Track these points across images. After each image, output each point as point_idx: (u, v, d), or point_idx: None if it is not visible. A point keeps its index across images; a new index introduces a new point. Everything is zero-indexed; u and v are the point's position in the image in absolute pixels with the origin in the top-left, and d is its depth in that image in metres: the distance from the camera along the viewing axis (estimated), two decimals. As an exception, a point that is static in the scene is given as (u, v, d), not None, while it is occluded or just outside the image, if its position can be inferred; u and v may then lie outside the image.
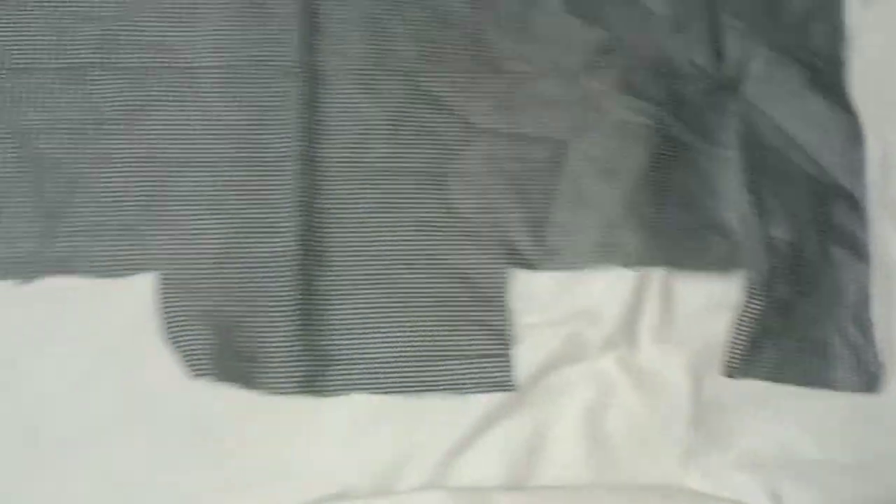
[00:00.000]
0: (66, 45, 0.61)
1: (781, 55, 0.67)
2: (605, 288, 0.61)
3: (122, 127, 0.60)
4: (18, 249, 0.58)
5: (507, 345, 0.59)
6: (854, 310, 0.62)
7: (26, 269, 0.58)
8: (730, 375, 0.61)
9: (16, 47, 0.61)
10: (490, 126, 0.63)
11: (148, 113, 0.61)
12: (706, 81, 0.66)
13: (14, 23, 0.61)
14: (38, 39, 0.61)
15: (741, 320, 0.61)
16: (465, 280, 0.60)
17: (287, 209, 0.60)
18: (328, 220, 0.60)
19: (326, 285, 0.59)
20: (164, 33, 0.62)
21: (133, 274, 0.58)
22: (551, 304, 0.61)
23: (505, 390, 0.59)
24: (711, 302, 0.62)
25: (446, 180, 0.62)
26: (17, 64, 0.61)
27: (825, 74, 0.67)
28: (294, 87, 0.62)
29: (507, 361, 0.59)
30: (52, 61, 0.61)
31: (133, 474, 0.55)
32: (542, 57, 0.65)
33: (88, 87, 0.61)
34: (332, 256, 0.60)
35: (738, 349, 0.61)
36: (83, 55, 0.61)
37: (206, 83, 0.62)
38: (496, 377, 0.59)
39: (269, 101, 0.62)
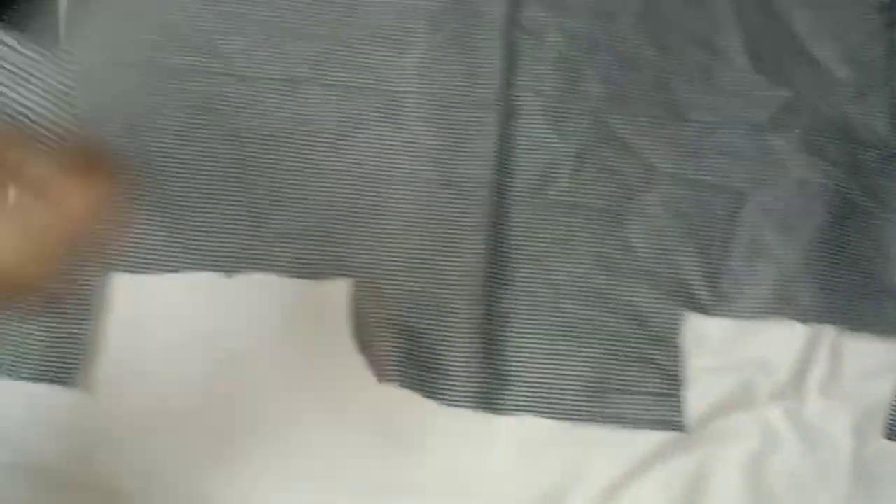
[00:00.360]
0: (282, 58, 0.65)
1: (959, 129, 0.68)
2: (778, 339, 0.62)
3: (329, 140, 0.64)
4: (227, 244, 0.61)
5: (678, 385, 0.60)
6: None
7: (232, 263, 0.61)
8: (891, 439, 0.61)
9: (240, 56, 0.65)
10: (672, 170, 0.65)
11: (354, 129, 0.64)
12: (884, 149, 0.67)
13: (241, 34, 0.66)
14: (259, 52, 0.65)
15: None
16: (640, 318, 0.62)
17: (475, 232, 0.62)
18: (512, 247, 0.63)
19: (507, 308, 0.61)
20: (373, 57, 0.66)
21: (330, 278, 0.61)
22: (723, 350, 0.62)
23: (673, 430, 0.59)
24: (880, 364, 0.63)
25: (626, 219, 0.64)
26: (240, 72, 0.65)
27: None
28: (490, 119, 0.65)
29: (678, 402, 0.60)
30: (270, 73, 0.65)
31: (314, 466, 0.57)
32: (727, 109, 0.67)
33: (300, 99, 0.65)
34: (514, 281, 0.62)
35: (902, 414, 0.61)
36: (298, 70, 0.65)
37: (409, 107, 0.65)
38: (665, 416, 0.60)
39: (465, 130, 0.65)
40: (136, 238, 0.60)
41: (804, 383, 0.61)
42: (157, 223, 0.61)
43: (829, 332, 0.62)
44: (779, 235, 0.64)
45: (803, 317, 0.62)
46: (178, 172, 0.62)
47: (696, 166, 0.65)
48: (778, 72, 0.68)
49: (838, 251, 0.64)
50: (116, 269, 0.60)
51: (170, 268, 0.60)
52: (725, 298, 0.63)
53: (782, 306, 0.62)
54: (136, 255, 0.60)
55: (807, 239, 0.63)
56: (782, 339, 0.62)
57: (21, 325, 0.60)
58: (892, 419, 0.61)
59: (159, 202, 0.61)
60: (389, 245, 0.61)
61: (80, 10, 0.69)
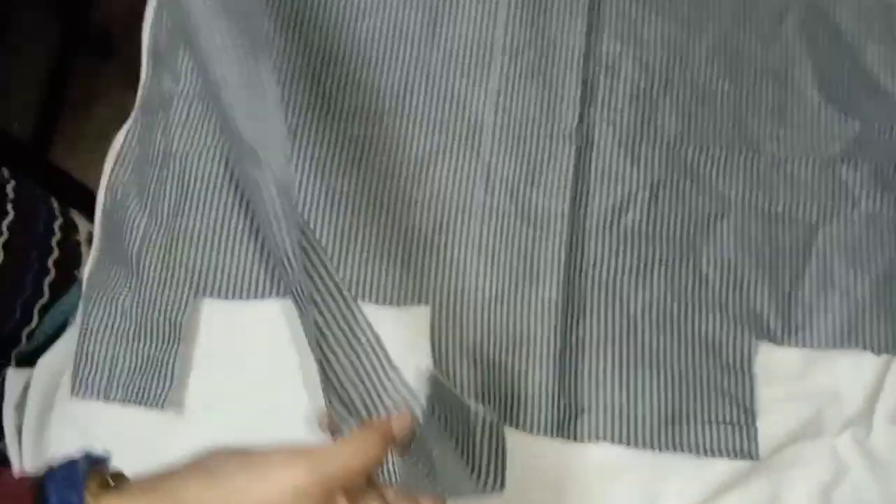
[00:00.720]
0: (366, 90, 0.68)
1: None
2: (849, 370, 0.63)
3: (410, 170, 0.66)
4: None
5: (750, 414, 0.62)
6: None
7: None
8: (957, 470, 0.62)
9: (329, 89, 0.67)
10: (744, 202, 0.67)
11: (434, 160, 0.66)
12: (954, 181, 0.68)
13: (330, 66, 0.67)
14: (346, 85, 0.67)
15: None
16: (713, 347, 0.63)
17: (552, 262, 0.64)
18: (587, 277, 0.64)
19: (582, 337, 0.63)
20: (453, 88, 0.68)
21: (410, 304, 0.63)
22: (795, 379, 0.63)
23: (747, 459, 0.61)
24: (948, 396, 0.64)
25: (699, 250, 0.66)
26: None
27: None
28: (566, 151, 0.67)
29: (752, 431, 0.61)
30: (355, 104, 0.67)
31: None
32: (799, 142, 0.68)
33: (383, 130, 0.67)
34: (589, 311, 0.64)
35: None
36: (381, 101, 0.68)
37: (487, 138, 0.67)
38: (739, 445, 0.61)
39: (542, 161, 0.66)
40: (226, 265, 0.62)
41: (874, 413, 0.63)
42: (247, 250, 0.63)
43: (898, 364, 0.63)
44: (849, 267, 0.65)
45: (873, 347, 0.63)
46: (267, 201, 0.64)
47: (768, 198, 0.67)
48: (849, 105, 0.69)
49: (908, 283, 0.65)
50: (207, 295, 0.62)
51: (257, 294, 0.62)
52: (797, 328, 0.64)
53: (853, 337, 0.63)
54: (226, 281, 0.62)
55: (877, 271, 0.64)
56: (852, 370, 0.63)
57: (112, 348, 0.62)
58: (959, 450, 0.62)
59: (249, 231, 0.63)
60: (467, 273, 0.63)
61: (167, 39, 0.71)
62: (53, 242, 0.73)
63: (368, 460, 0.42)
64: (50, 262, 0.72)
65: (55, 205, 0.76)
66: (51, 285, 0.71)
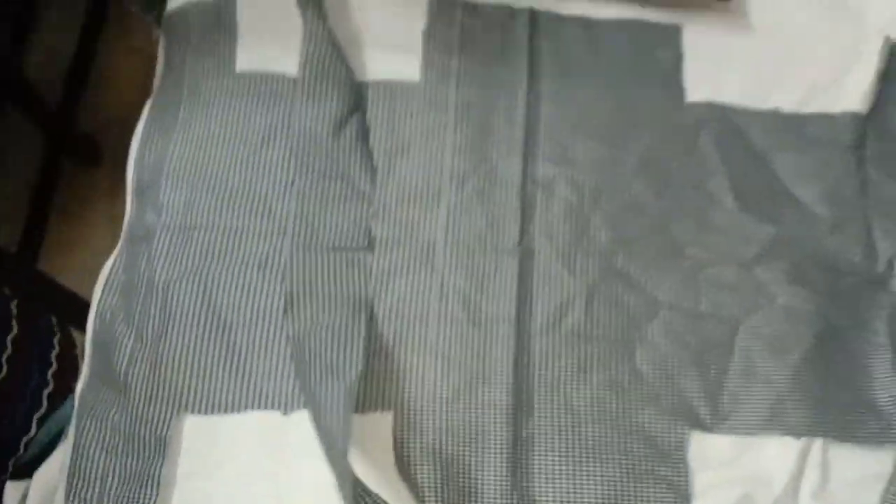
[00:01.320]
0: (329, 223, 0.75)
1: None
2: (774, 454, 0.69)
3: (372, 287, 0.73)
4: (283, 385, 0.70)
5: (686, 500, 0.68)
6: None
7: (288, 402, 0.69)
8: (878, 542, 0.69)
9: (292, 219, 0.75)
10: (672, 302, 0.74)
11: (392, 277, 0.74)
12: (860, 276, 0.76)
13: (293, 199, 0.75)
14: (311, 215, 0.75)
15: (890, 490, 0.69)
16: (650, 438, 0.70)
17: (502, 363, 0.71)
18: (534, 376, 0.71)
19: (531, 432, 0.70)
20: (408, 214, 0.76)
21: (373, 411, 0.69)
22: (727, 465, 0.70)
23: (682, 541, 0.67)
24: (866, 472, 0.70)
25: (633, 348, 0.73)
26: (291, 232, 0.75)
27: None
28: (510, 263, 0.74)
29: (686, 515, 0.68)
30: (320, 234, 0.75)
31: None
32: (719, 246, 0.76)
33: (347, 257, 0.74)
34: (537, 408, 0.70)
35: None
36: (345, 233, 0.75)
37: (440, 255, 0.74)
38: (675, 528, 0.67)
39: (489, 273, 0.74)
40: (206, 383, 0.69)
41: (798, 493, 0.69)
42: (225, 369, 0.69)
43: (818, 445, 0.70)
44: (770, 359, 0.72)
45: (795, 431, 0.70)
46: (242, 323, 0.71)
47: (694, 299, 0.74)
48: (763, 211, 0.77)
49: (824, 369, 0.72)
50: (189, 412, 0.68)
51: (235, 408, 0.69)
52: (725, 417, 0.71)
53: (775, 422, 0.70)
54: (206, 397, 0.69)
55: (795, 360, 0.72)
56: (777, 453, 0.70)
57: (103, 463, 0.68)
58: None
59: (226, 350, 0.70)
60: (426, 379, 0.70)
61: (148, 173, 0.79)
62: (52, 356, 0.80)
63: None
64: (49, 375, 0.79)
65: (54, 321, 0.83)
66: (49, 396, 0.77)
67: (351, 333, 0.69)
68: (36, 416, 0.76)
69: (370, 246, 0.74)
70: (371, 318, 0.71)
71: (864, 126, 0.82)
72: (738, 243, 0.76)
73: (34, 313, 0.81)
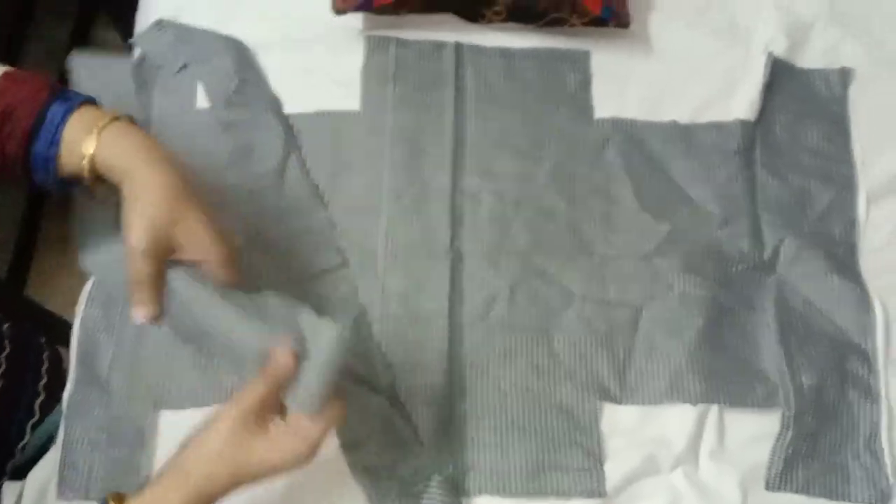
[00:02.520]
0: (284, 233, 0.86)
1: (808, 242, 0.87)
2: (675, 419, 0.80)
3: (322, 291, 0.84)
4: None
5: (599, 461, 0.79)
6: (867, 440, 0.80)
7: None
8: (770, 489, 0.80)
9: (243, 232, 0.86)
10: (584, 293, 0.85)
11: (334, 284, 0.84)
12: (749, 263, 0.87)
13: (247, 212, 0.86)
14: (266, 226, 0.86)
15: (778, 446, 0.80)
16: (567, 411, 0.81)
17: (437, 353, 0.82)
18: (466, 362, 0.82)
19: (465, 411, 0.80)
20: (352, 224, 0.87)
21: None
22: (634, 431, 0.80)
23: (597, 497, 0.78)
24: (756, 432, 0.81)
25: (551, 334, 0.84)
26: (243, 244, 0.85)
27: (842, 257, 0.88)
28: (443, 265, 0.85)
29: (600, 474, 0.78)
30: (273, 243, 0.85)
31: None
32: (622, 243, 0.88)
33: (303, 259, 0.85)
34: (469, 389, 0.81)
35: (775, 469, 0.79)
36: (296, 238, 0.86)
37: (381, 260, 0.85)
38: (591, 486, 0.78)
39: (424, 274, 0.85)
40: (178, 381, 0.80)
41: (698, 452, 0.80)
42: (194, 368, 0.80)
43: (713, 410, 0.81)
44: (669, 338, 0.83)
45: (692, 400, 0.80)
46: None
47: (602, 289, 0.85)
48: (660, 211, 0.88)
49: (717, 345, 0.83)
50: (164, 407, 0.79)
51: (204, 403, 0.79)
52: (632, 390, 0.82)
53: (675, 393, 0.81)
54: (178, 394, 0.79)
55: (691, 339, 0.83)
56: (677, 419, 0.80)
57: (90, 455, 0.78)
58: (769, 474, 0.80)
59: (194, 352, 0.80)
60: (369, 371, 0.81)
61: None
62: (43, 371, 0.90)
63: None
64: (40, 386, 0.88)
65: (43, 340, 0.93)
66: (41, 406, 0.87)
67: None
68: (30, 424, 0.85)
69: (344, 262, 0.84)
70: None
71: (754, 132, 0.93)
72: (638, 239, 0.87)
73: (25, 333, 0.91)
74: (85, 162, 0.61)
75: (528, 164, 0.90)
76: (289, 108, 0.91)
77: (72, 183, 0.63)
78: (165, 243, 0.61)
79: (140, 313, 0.62)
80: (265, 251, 0.83)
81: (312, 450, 0.60)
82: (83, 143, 0.61)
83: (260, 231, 0.85)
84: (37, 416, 0.86)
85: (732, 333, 0.84)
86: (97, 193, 0.65)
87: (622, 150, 0.90)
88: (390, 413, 0.78)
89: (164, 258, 0.61)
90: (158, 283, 0.62)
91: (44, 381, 0.88)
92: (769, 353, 0.83)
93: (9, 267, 1.31)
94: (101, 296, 0.84)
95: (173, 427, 0.78)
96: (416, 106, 0.91)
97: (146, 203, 0.60)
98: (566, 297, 0.84)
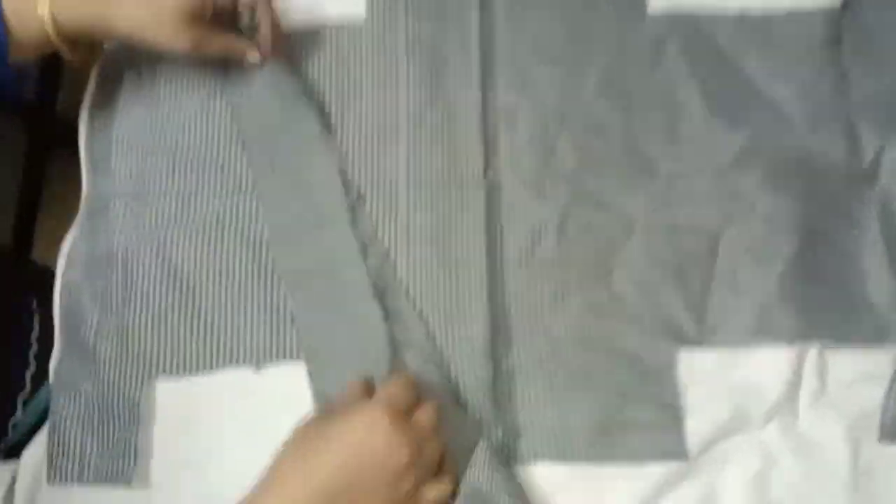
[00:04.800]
0: (283, 169, 0.73)
1: (914, 145, 0.73)
2: (766, 363, 0.67)
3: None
4: (255, 340, 0.69)
5: (677, 417, 0.66)
6: None
7: (261, 357, 0.68)
8: (885, 441, 0.66)
9: (247, 172, 0.73)
10: (647, 220, 0.72)
11: (358, 221, 0.71)
12: (845, 174, 0.73)
13: (245, 151, 0.74)
14: (262, 164, 0.73)
15: (893, 389, 0.66)
16: (635, 359, 0.68)
17: (476, 300, 0.69)
18: (510, 309, 0.69)
19: (512, 365, 0.68)
20: (366, 154, 0.74)
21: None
22: (717, 379, 0.67)
23: (677, 459, 0.65)
24: (864, 373, 0.67)
25: (610, 270, 0.70)
26: (248, 187, 0.73)
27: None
28: (476, 197, 0.72)
29: (679, 433, 0.65)
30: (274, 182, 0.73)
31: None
32: (691, 157, 0.73)
33: (305, 202, 0.72)
34: (516, 340, 0.68)
35: (891, 416, 0.65)
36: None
37: (402, 195, 0.72)
38: (669, 447, 0.65)
39: (455, 209, 0.72)
40: (174, 346, 0.68)
41: (795, 400, 0.66)
42: (191, 331, 0.68)
43: (813, 350, 0.67)
44: (754, 267, 0.69)
45: (787, 338, 0.67)
46: (204, 283, 0.70)
47: (670, 213, 0.71)
48: (735, 117, 0.74)
49: (813, 273, 0.69)
50: (160, 375, 0.67)
51: (206, 368, 0.67)
52: (712, 330, 0.68)
53: (765, 331, 0.67)
54: (175, 361, 0.68)
55: (780, 266, 0.69)
56: (770, 362, 0.67)
57: (80, 435, 0.67)
58: (883, 422, 0.66)
59: (191, 312, 0.69)
60: (398, 324, 0.68)
61: (99, 143, 0.78)
62: (33, 338, 0.79)
63: None
64: (30, 356, 0.78)
65: (34, 303, 0.82)
66: (32, 378, 0.77)
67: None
68: (20, 398, 0.76)
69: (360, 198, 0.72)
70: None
71: (839, 21, 0.78)
72: (710, 152, 0.73)
73: (13, 297, 0.80)
74: (48, 26, 0.57)
75: (571, 71, 0.76)
76: (283, 17, 0.77)
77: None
78: (200, 19, 0.64)
79: (250, 55, 0.69)
80: (263, 196, 0.72)
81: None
82: (34, 5, 0.56)
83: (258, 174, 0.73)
84: (27, 389, 0.77)
85: (831, 258, 0.70)
86: (76, 57, 0.65)
87: (683, 48, 0.76)
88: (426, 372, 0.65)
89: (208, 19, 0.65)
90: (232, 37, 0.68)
91: (34, 349, 0.78)
92: (876, 280, 0.69)
93: (11, 232, 1.23)
94: (80, 255, 0.73)
95: (171, 398, 0.67)
96: (432, 12, 0.78)
97: (149, 20, 0.62)
98: (626, 225, 0.71)
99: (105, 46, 0.80)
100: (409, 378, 0.60)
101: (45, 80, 1.31)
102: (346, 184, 0.72)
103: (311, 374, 0.66)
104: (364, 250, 0.70)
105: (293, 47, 0.77)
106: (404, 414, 0.57)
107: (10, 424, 0.75)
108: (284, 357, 0.67)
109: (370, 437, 0.54)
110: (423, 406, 0.59)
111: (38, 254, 1.25)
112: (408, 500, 0.56)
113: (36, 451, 0.70)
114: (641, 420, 0.66)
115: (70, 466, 0.67)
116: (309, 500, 0.53)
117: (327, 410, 0.60)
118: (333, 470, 0.54)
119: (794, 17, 0.78)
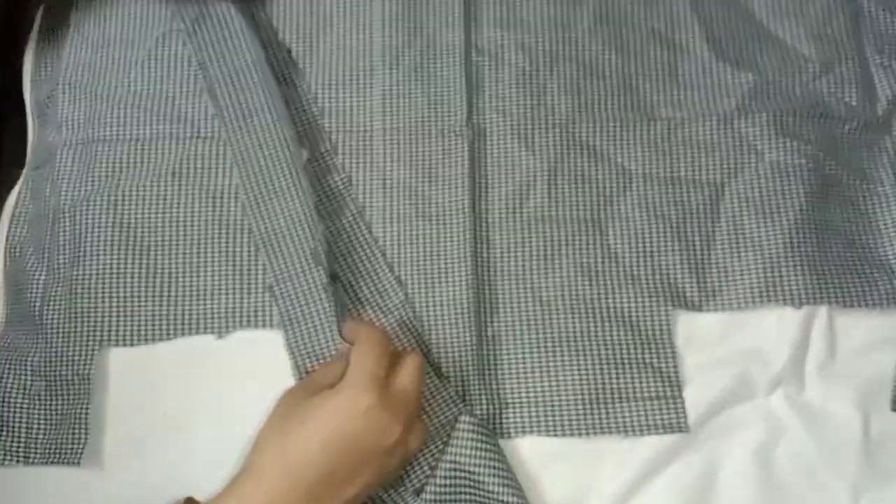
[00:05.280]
0: (247, 114, 0.66)
1: (933, 89, 0.67)
2: (771, 327, 0.62)
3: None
4: (215, 306, 0.62)
5: (676, 386, 0.61)
6: None
7: (222, 323, 0.62)
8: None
9: (206, 119, 0.66)
10: (646, 171, 0.66)
11: (329, 174, 0.65)
12: (859, 120, 0.67)
13: (204, 97, 0.66)
14: (224, 112, 0.66)
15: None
16: (630, 323, 0.62)
17: (458, 259, 0.63)
18: (496, 268, 0.63)
19: (497, 330, 0.62)
20: (337, 100, 0.67)
21: (318, 325, 0.62)
22: (718, 344, 0.62)
23: (676, 432, 0.60)
24: (877, 338, 0.62)
25: (605, 226, 0.64)
26: (206, 134, 0.66)
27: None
28: (459, 145, 0.65)
29: (678, 403, 0.60)
30: (236, 130, 0.66)
31: None
32: (694, 102, 0.67)
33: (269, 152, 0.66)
34: (502, 302, 0.63)
35: (907, 384, 0.60)
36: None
37: (378, 143, 0.66)
38: (668, 419, 0.60)
39: (436, 159, 0.65)
40: (128, 311, 0.62)
41: (802, 367, 0.62)
42: (147, 294, 0.62)
43: (821, 313, 0.62)
44: (760, 222, 0.64)
45: (794, 300, 0.61)
46: (161, 241, 0.63)
47: (669, 164, 0.65)
48: (741, 58, 0.68)
49: (823, 229, 0.64)
50: (112, 344, 0.61)
51: (163, 336, 0.61)
52: (714, 292, 0.63)
53: (771, 293, 0.62)
54: (130, 327, 0.61)
55: (789, 222, 0.63)
56: (775, 326, 0.62)
57: (27, 410, 0.61)
58: (896, 391, 0.61)
59: (147, 273, 0.62)
60: (378, 284, 0.62)
61: (47, 88, 0.70)
62: None
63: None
64: None
65: None
66: None
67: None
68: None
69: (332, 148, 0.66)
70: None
71: (852, -47, 0.71)
72: (714, 97, 0.67)
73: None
74: None
75: (563, 6, 0.69)
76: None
77: None
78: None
79: None
80: (224, 146, 0.65)
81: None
82: None
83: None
84: None
85: (843, 212, 0.65)
86: None
87: (686, -18, 0.69)
88: (403, 339, 0.60)
89: None
90: None
91: None
92: (891, 236, 0.64)
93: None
94: (26, 212, 0.66)
95: (126, 368, 0.61)
96: (412, -59, 0.70)
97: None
98: (623, 176, 0.65)
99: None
100: (381, 333, 0.55)
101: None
102: (315, 132, 0.65)
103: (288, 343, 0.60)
104: (337, 207, 0.63)
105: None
106: (385, 381, 0.52)
107: None
108: (250, 324, 0.61)
109: (353, 423, 0.50)
110: (405, 363, 0.54)
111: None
112: (396, 471, 0.54)
113: None
114: (637, 389, 0.61)
115: (15, 444, 0.61)
116: (294, 489, 0.49)
117: (306, 382, 0.55)
118: (316, 458, 0.50)
119: (803, -53, 0.71)
